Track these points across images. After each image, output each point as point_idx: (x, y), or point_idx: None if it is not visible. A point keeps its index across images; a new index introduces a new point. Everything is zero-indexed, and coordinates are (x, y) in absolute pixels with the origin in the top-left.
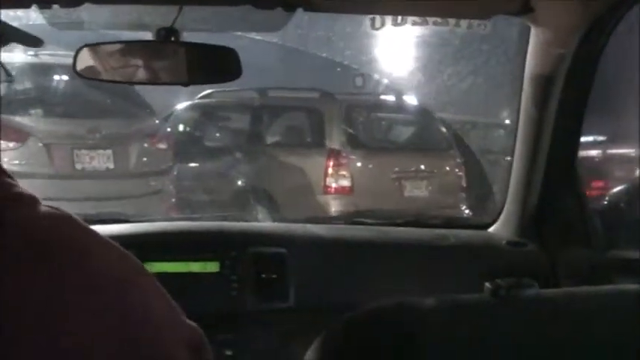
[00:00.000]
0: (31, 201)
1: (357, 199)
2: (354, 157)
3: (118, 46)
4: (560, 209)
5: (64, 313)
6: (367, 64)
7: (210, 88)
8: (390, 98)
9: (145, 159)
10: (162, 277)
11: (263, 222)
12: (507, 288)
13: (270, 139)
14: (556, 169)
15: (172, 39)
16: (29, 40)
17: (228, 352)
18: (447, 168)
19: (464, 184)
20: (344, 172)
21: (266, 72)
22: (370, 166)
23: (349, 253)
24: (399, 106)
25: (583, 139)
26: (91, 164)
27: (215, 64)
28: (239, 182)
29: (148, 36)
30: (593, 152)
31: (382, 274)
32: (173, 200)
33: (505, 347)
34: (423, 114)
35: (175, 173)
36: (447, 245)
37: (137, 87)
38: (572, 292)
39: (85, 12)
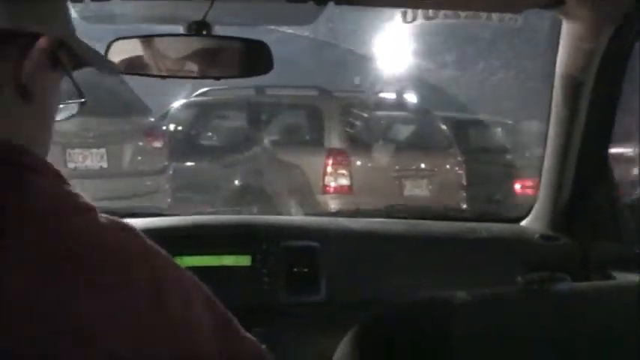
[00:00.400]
0: (90, 211)
1: (357, 198)
2: (353, 156)
3: (149, 40)
4: (591, 203)
5: (134, 322)
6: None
7: (221, 85)
8: (390, 96)
9: (139, 158)
10: (194, 270)
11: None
12: (540, 282)
13: (267, 138)
14: (588, 164)
15: (204, 32)
16: (105, 66)
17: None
18: (448, 166)
19: (464, 182)
20: (343, 171)
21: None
22: (370, 164)
23: (381, 246)
24: (399, 104)
25: None
26: (84, 163)
27: (246, 58)
28: (236, 181)
29: (180, 30)
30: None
31: (414, 268)
32: (169, 200)
33: (538, 340)
34: (423, 112)
35: (171, 172)
36: (479, 238)
37: (132, 84)
38: (604, 286)
39: (116, 6)
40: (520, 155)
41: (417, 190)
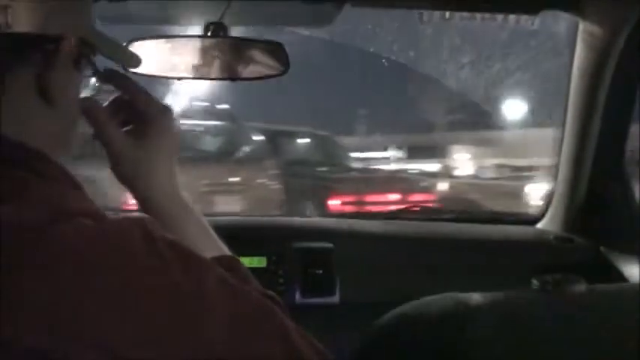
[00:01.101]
0: (98, 215)
1: None
2: None
3: (165, 41)
4: (607, 205)
5: (134, 323)
6: None
7: None
8: (198, 105)
9: None
10: None
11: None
12: (554, 283)
13: None
14: (603, 165)
15: (220, 34)
16: (126, 57)
17: None
18: (262, 180)
19: (281, 196)
20: None
21: None
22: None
23: (396, 248)
24: (208, 114)
25: None
26: None
27: (263, 59)
28: None
29: (196, 30)
30: None
31: (429, 270)
32: None
33: (553, 343)
34: (235, 122)
35: None
36: (494, 241)
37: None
38: (621, 288)
39: (133, 6)
40: (339, 169)
41: (227, 206)
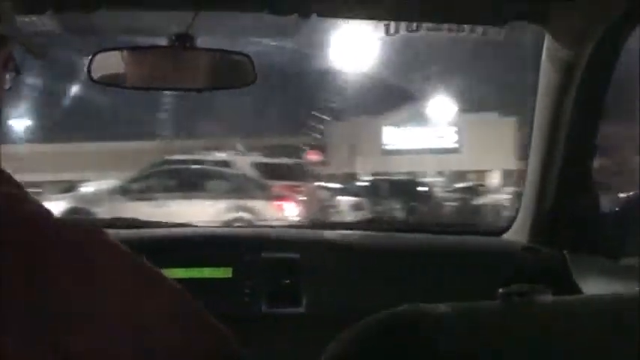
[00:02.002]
0: (47, 216)
1: None
2: None
3: (132, 52)
4: (574, 215)
5: (73, 324)
6: None
7: None
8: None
9: None
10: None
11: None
12: (520, 294)
13: None
14: (570, 176)
15: (187, 45)
16: (35, 49)
17: None
18: None
19: None
20: None
21: None
22: None
23: (362, 259)
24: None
25: None
26: None
27: (230, 70)
28: None
29: (164, 42)
30: None
31: (395, 280)
32: None
33: (519, 353)
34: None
35: None
36: (461, 252)
37: None
38: (587, 299)
39: (99, 18)
40: None
41: None
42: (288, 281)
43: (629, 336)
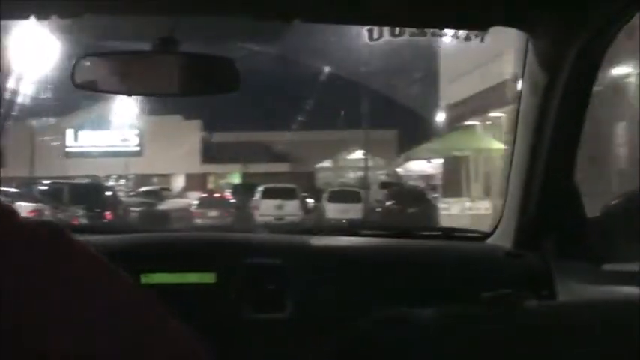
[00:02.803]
0: (9, 213)
1: None
2: None
3: (116, 57)
4: (558, 220)
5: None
6: None
7: None
8: None
9: None
10: (159, 288)
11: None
12: (504, 299)
13: None
14: (554, 180)
15: (171, 49)
16: None
17: None
18: None
19: None
20: None
21: None
22: None
23: (346, 264)
24: None
25: None
26: None
27: (213, 75)
28: None
29: (148, 46)
30: None
31: (380, 286)
32: None
33: (502, 358)
34: None
35: None
36: (445, 257)
37: None
38: (570, 304)
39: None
40: None
41: None
42: (272, 287)
43: (611, 340)
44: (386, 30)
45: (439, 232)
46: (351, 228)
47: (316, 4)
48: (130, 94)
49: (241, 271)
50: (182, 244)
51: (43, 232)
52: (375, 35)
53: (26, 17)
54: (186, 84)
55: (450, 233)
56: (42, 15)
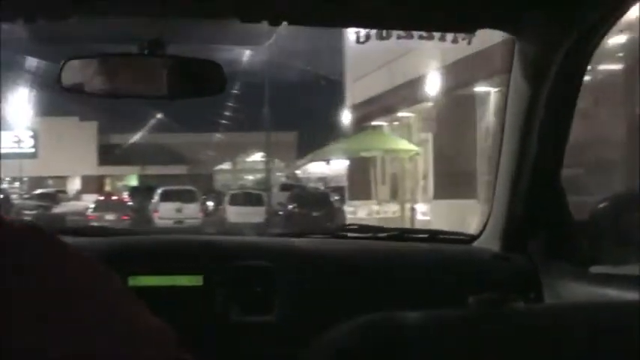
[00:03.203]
0: None
1: None
2: None
3: (102, 60)
4: (545, 223)
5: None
6: None
7: None
8: None
9: None
10: (147, 290)
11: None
12: (491, 302)
13: None
14: (541, 183)
15: (157, 52)
16: None
17: None
18: None
19: None
20: None
21: None
22: None
23: (334, 267)
24: None
25: None
26: None
27: (199, 78)
28: None
29: (135, 49)
30: None
31: (367, 289)
32: None
33: None
34: None
35: None
36: (432, 259)
37: None
38: (557, 306)
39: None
40: None
41: None
42: (259, 289)
43: (599, 343)
44: (373, 33)
45: (426, 235)
46: (339, 230)
47: (303, 7)
48: (117, 97)
49: (229, 273)
50: (169, 246)
51: (32, 233)
52: (362, 38)
53: (12, 20)
54: (173, 87)
55: (436, 236)
56: (28, 17)
